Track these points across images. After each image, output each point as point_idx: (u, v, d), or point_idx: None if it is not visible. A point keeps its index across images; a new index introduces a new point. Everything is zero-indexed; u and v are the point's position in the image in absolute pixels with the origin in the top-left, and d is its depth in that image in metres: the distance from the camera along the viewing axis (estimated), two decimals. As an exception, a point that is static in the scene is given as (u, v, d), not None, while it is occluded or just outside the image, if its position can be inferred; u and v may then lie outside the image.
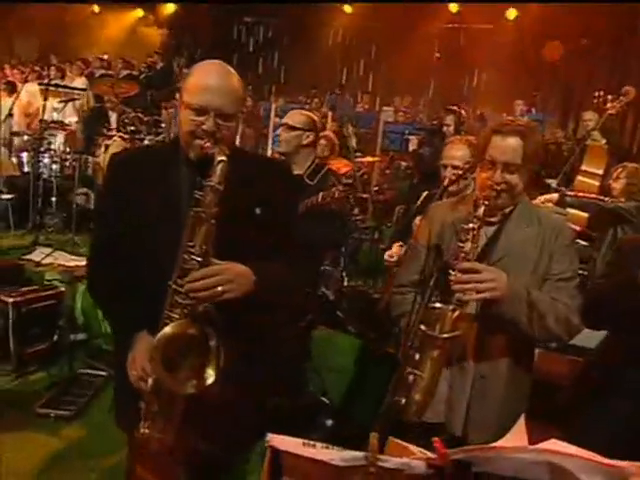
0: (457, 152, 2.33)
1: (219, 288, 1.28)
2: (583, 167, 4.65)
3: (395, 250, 2.53)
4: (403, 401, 1.41)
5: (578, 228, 3.62)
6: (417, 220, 2.23)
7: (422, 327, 1.38)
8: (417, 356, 1.40)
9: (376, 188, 4.39)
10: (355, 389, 3.16)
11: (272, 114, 5.38)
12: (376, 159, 4.80)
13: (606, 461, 0.70)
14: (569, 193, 4.01)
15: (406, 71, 9.48)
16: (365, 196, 4.24)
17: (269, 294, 1.41)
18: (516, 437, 0.86)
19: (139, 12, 12.34)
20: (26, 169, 5.70)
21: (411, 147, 5.38)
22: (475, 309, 1.54)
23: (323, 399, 3.03)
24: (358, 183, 4.30)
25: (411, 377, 1.40)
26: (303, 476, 0.82)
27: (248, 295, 1.33)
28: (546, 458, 0.70)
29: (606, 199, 3.77)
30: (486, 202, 1.50)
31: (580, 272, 3.20)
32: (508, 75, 7.89)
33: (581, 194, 3.99)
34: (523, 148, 1.55)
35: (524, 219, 1.64)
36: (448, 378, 1.63)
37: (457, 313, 1.39)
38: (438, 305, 1.39)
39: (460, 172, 2.17)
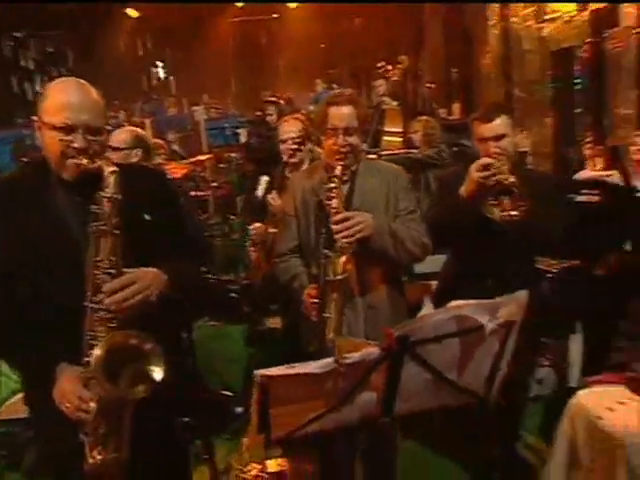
0: (292, 127, 2.62)
1: (139, 296, 1.33)
2: (386, 128, 5.36)
3: (257, 224, 2.71)
4: (317, 345, 1.65)
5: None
6: (270, 197, 2.48)
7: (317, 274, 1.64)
8: (317, 302, 1.66)
9: (215, 184, 4.50)
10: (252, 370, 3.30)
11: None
12: (207, 157, 4.90)
13: (485, 300, 1.02)
14: (383, 153, 4.61)
15: (206, 69, 9.56)
16: (206, 194, 4.34)
17: (182, 291, 1.48)
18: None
19: None
20: None
21: (242, 139, 5.58)
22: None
23: (225, 392, 3.09)
24: (200, 182, 4.38)
25: (319, 322, 1.64)
26: (288, 400, 0.99)
27: (163, 295, 1.39)
28: (452, 313, 0.99)
29: (412, 151, 4.45)
30: (341, 163, 1.79)
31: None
32: (304, 58, 8.50)
33: (390, 152, 4.63)
34: (356, 113, 1.88)
35: (368, 173, 1.98)
36: (345, 312, 1.89)
37: (344, 257, 1.66)
38: (328, 253, 1.65)
39: (296, 145, 2.47)
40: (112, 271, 1.32)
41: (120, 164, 1.58)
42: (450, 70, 6.42)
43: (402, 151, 4.50)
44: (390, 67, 6.38)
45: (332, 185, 1.76)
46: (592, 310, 3.03)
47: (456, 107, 6.17)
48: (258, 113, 5.17)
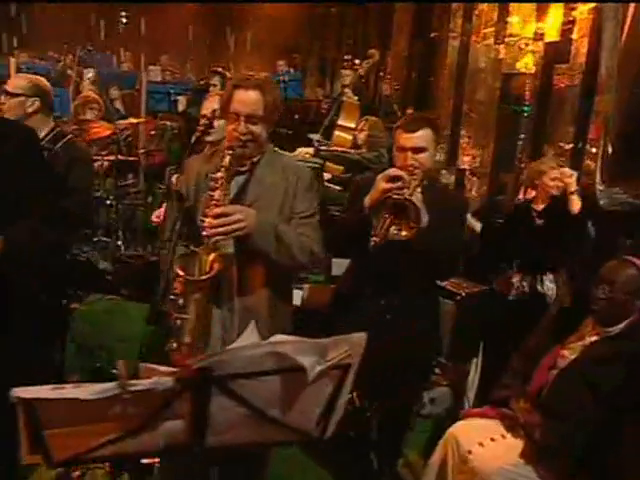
0: (212, 104, 2.47)
1: None
2: (339, 122, 5.22)
3: (162, 210, 2.55)
4: (174, 345, 1.49)
5: (327, 175, 4.10)
6: (174, 177, 2.29)
7: (180, 272, 1.47)
8: (181, 301, 1.49)
9: (142, 151, 4.23)
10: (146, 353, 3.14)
11: (12, 72, 4.67)
12: (140, 120, 4.60)
13: (311, 340, 0.89)
14: (323, 147, 4.48)
15: (169, 30, 9.10)
16: (132, 159, 4.07)
17: (19, 253, 1.33)
18: (248, 338, 1.02)
19: None
20: None
21: (180, 107, 5.28)
22: (233, 248, 1.68)
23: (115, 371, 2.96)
24: (121, 147, 4.10)
25: (178, 322, 1.48)
26: (64, 422, 0.84)
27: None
28: (269, 349, 0.86)
29: (352, 151, 4.33)
30: (230, 151, 1.63)
31: (336, 213, 3.71)
32: (271, 37, 8.22)
33: (334, 147, 4.50)
34: (263, 101, 1.71)
35: (270, 166, 1.83)
36: (221, 319, 1.76)
37: (212, 255, 1.51)
38: (194, 249, 1.49)
39: (208, 122, 2.30)
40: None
41: None
42: (411, 73, 6.34)
43: (341, 149, 4.38)
44: (358, 61, 6.27)
45: (218, 174, 1.59)
46: (492, 336, 3.05)
47: (409, 112, 6.11)
48: (201, 82, 4.89)
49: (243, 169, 1.81)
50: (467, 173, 4.98)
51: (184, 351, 1.49)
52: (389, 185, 1.85)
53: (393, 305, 2.06)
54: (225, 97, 1.75)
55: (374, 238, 1.73)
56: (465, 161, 4.95)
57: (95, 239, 4.24)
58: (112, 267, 4.09)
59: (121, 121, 4.50)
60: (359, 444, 2.39)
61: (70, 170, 2.34)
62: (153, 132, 4.72)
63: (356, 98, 5.48)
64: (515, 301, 2.99)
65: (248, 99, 1.71)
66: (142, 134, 4.65)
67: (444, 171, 5.10)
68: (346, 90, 5.63)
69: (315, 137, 5.52)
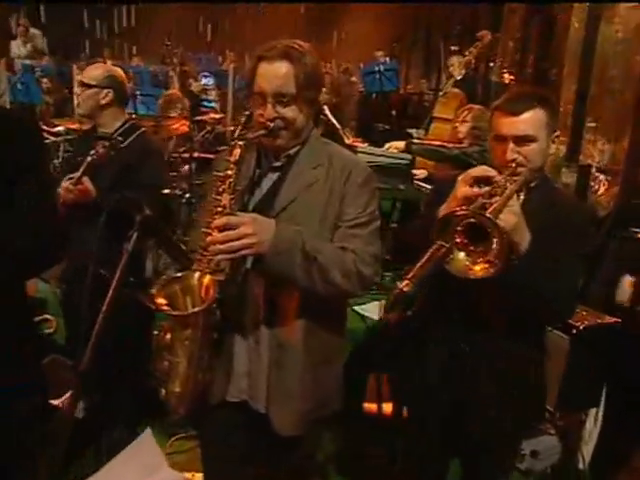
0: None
1: None
2: (435, 114, 4.67)
3: None
4: (163, 392, 1.14)
5: (423, 172, 3.58)
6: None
7: (162, 302, 1.10)
8: (168, 336, 1.13)
9: (222, 148, 4.05)
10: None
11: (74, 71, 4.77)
12: (220, 116, 4.43)
13: None
14: (415, 141, 3.95)
15: (271, 27, 9.06)
16: (212, 156, 3.90)
17: None
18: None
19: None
20: None
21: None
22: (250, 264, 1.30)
23: None
24: (197, 144, 3.94)
25: (165, 363, 1.13)
26: None
27: None
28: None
29: (450, 145, 3.75)
30: (240, 142, 1.23)
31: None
32: (369, 27, 7.79)
33: (427, 141, 3.95)
34: (294, 74, 1.31)
35: (312, 160, 1.41)
36: (246, 351, 1.40)
37: (205, 280, 1.13)
38: (180, 274, 1.12)
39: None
40: None
41: None
42: (526, 58, 5.52)
43: (437, 143, 3.81)
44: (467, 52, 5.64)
45: (227, 172, 1.21)
46: (620, 381, 2.35)
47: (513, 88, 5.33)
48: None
49: (277, 164, 1.42)
50: (593, 171, 4.11)
51: (173, 402, 1.14)
52: (474, 191, 1.30)
53: (467, 349, 1.53)
54: (249, 73, 1.36)
55: (412, 272, 1.15)
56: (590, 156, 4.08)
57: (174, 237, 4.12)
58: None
59: (200, 117, 4.37)
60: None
61: (142, 164, 2.21)
62: (232, 128, 4.53)
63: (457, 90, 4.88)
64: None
65: (275, 73, 1.30)
66: (227, 131, 4.50)
67: (564, 169, 4.28)
68: (450, 80, 5.06)
69: (415, 132, 5.03)
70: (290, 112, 1.33)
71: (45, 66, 7.75)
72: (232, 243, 1.15)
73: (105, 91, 2.25)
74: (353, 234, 1.38)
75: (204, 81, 6.73)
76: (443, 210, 1.35)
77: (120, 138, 2.20)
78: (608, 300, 2.38)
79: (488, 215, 1.15)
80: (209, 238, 1.15)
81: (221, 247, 1.14)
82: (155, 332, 1.13)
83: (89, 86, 2.26)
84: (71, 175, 2.04)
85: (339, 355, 1.56)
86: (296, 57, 1.32)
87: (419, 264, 1.11)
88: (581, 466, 2.47)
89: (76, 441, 1.46)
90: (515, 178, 1.33)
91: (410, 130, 5.28)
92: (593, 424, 2.50)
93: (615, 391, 2.37)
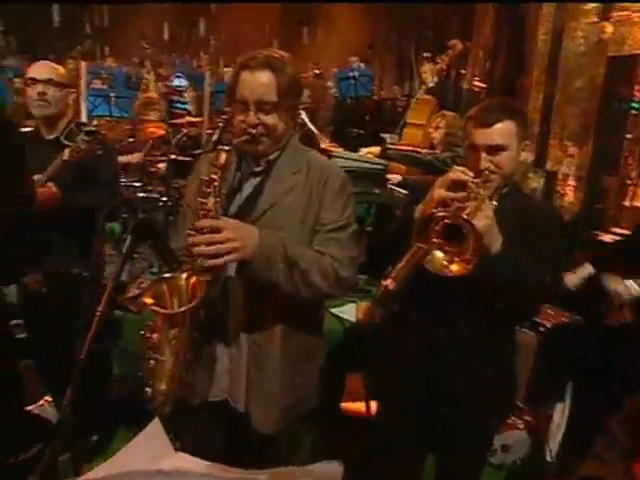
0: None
1: None
2: (408, 119, 4.77)
3: None
4: (149, 392, 1.17)
5: (397, 177, 3.66)
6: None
7: (149, 301, 1.14)
8: (155, 336, 1.17)
9: (199, 151, 4.05)
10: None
11: (83, 76, 4.73)
12: (198, 119, 4.45)
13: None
14: (390, 146, 4.04)
15: (245, 31, 9.08)
16: (187, 159, 3.90)
17: None
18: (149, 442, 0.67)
19: None
20: None
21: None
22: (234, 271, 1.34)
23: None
24: (173, 148, 3.94)
25: (152, 362, 1.16)
26: None
27: None
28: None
29: (424, 151, 3.85)
30: (226, 147, 1.28)
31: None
32: (342, 32, 7.89)
33: (401, 147, 4.04)
34: (276, 83, 1.36)
35: (292, 165, 1.47)
36: (227, 348, 1.45)
37: (192, 280, 1.16)
38: (168, 275, 1.15)
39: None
40: None
41: None
42: (495, 65, 5.69)
43: (411, 148, 3.91)
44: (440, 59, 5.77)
45: (211, 176, 1.25)
46: (586, 377, 2.47)
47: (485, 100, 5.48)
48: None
49: (257, 169, 1.46)
50: (559, 177, 4.28)
51: (159, 400, 1.17)
52: (449, 194, 1.37)
53: (444, 340, 1.60)
54: (231, 81, 1.41)
55: (396, 271, 1.22)
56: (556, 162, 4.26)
57: (150, 241, 4.09)
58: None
59: (176, 120, 4.37)
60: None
61: (97, 163, 2.14)
62: (210, 131, 4.54)
63: (427, 96, 5.00)
64: (620, 332, 2.38)
65: (257, 81, 1.35)
66: (204, 135, 4.50)
67: (531, 174, 4.44)
68: (423, 86, 5.17)
69: (388, 137, 5.12)
70: (271, 119, 1.38)
71: (10, 65, 7.60)
72: (216, 246, 1.19)
73: (71, 90, 2.22)
74: (331, 238, 1.43)
75: (176, 82, 6.69)
76: (420, 211, 1.42)
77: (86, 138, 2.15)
78: (570, 297, 2.49)
79: (465, 217, 1.22)
80: (192, 239, 1.19)
81: (205, 249, 1.19)
82: (141, 332, 1.16)
83: (61, 85, 2.17)
84: (34, 177, 1.97)
85: (316, 355, 1.61)
86: (278, 66, 1.37)
87: (401, 263, 1.18)
88: (549, 458, 2.58)
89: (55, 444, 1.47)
90: (488, 184, 1.41)
91: (384, 135, 5.39)
92: (560, 418, 2.61)
93: (580, 386, 2.49)
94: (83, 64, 5.10)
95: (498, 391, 1.67)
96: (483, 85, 5.91)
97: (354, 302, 2.81)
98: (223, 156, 1.26)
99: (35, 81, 2.14)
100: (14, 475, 1.28)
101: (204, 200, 1.23)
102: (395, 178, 3.96)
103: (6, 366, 1.27)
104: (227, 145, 1.28)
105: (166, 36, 10.38)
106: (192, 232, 1.20)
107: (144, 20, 10.09)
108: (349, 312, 2.85)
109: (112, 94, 4.75)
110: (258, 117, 1.37)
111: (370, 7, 8.08)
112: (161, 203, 3.61)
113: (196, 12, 10.39)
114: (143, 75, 7.47)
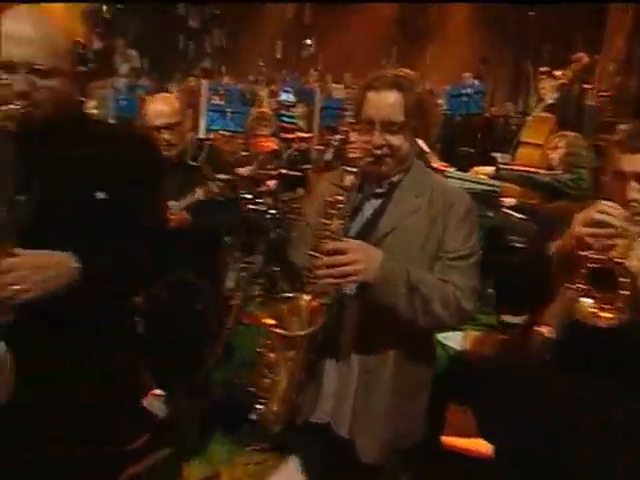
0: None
1: (11, 288, 1.04)
2: (523, 138, 4.52)
3: None
4: (261, 408, 1.17)
5: (511, 200, 3.45)
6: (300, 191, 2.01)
7: (270, 322, 1.14)
8: (272, 355, 1.16)
9: (307, 167, 4.13)
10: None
11: (203, 93, 5.06)
12: (309, 135, 4.54)
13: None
14: (504, 166, 3.83)
15: (355, 48, 9.21)
16: (298, 174, 3.99)
17: (105, 280, 1.18)
18: None
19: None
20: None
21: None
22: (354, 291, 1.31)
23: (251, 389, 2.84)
24: (285, 162, 4.05)
25: (267, 381, 1.16)
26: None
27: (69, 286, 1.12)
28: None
29: (541, 172, 3.60)
30: (352, 169, 1.26)
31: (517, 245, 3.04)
32: (455, 47, 7.70)
33: (517, 167, 3.82)
34: (403, 103, 1.32)
35: (415, 188, 1.42)
36: (336, 371, 1.42)
37: (315, 303, 1.15)
38: (289, 295, 1.15)
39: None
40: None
41: (96, 122, 1.32)
42: (628, 80, 5.21)
43: (527, 169, 3.67)
44: (558, 72, 5.44)
45: (337, 197, 1.24)
46: None
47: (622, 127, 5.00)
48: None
49: (379, 190, 1.43)
50: None
51: (270, 420, 1.17)
52: (595, 230, 1.19)
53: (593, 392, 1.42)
54: (357, 101, 1.40)
55: (550, 318, 1.10)
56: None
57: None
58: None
59: (288, 134, 4.50)
60: None
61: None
62: (319, 147, 4.62)
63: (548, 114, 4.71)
64: None
65: (384, 101, 1.33)
66: (312, 149, 4.59)
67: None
68: (540, 103, 4.89)
69: (499, 156, 4.89)
70: (397, 140, 1.36)
71: (142, 84, 8.35)
72: (341, 268, 1.17)
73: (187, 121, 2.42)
74: (454, 266, 1.36)
75: (284, 96, 6.92)
76: (558, 248, 1.28)
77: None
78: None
79: (620, 261, 1.07)
80: (317, 261, 1.18)
81: (330, 271, 1.17)
82: (259, 349, 1.17)
83: (179, 124, 2.26)
84: (171, 203, 2.14)
85: (426, 385, 1.54)
86: (405, 86, 1.34)
87: (554, 309, 1.07)
88: None
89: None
90: (638, 219, 1.25)
91: (495, 154, 5.14)
92: None
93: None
94: (204, 82, 5.44)
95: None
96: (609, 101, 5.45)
97: (461, 330, 2.69)
98: (349, 178, 1.25)
99: (158, 129, 2.28)
100: (111, 463, 1.35)
101: (328, 221, 1.22)
102: (510, 201, 3.75)
103: (129, 357, 1.37)
104: (354, 167, 1.26)
105: (279, 55, 10.82)
106: (315, 254, 1.19)
107: (258, 40, 10.63)
108: (454, 340, 2.72)
109: (228, 109, 5.03)
110: (384, 138, 1.34)
111: (484, 20, 7.83)
112: (269, 216, 3.71)
113: (307, 31, 10.75)
114: (257, 91, 7.86)
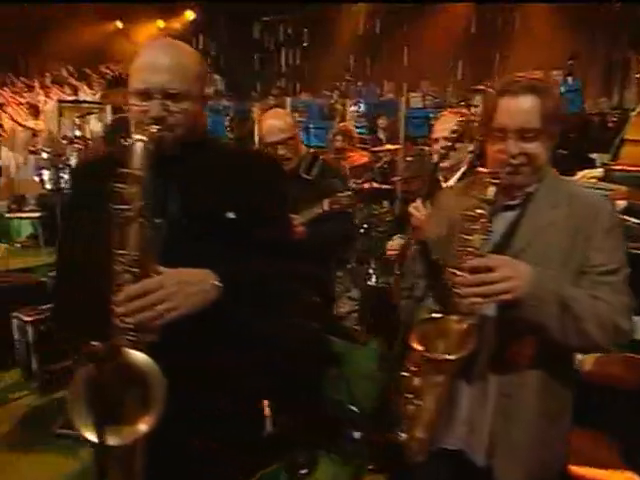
0: (445, 124, 2.17)
1: (163, 306, 1.04)
2: (627, 135, 4.17)
3: (396, 242, 2.27)
4: (403, 436, 1.12)
5: (622, 203, 3.18)
6: (411, 208, 1.93)
7: (418, 347, 1.08)
8: (416, 381, 1.11)
9: (397, 178, 4.06)
10: (386, 398, 2.92)
11: (288, 108, 5.16)
12: (396, 147, 4.46)
13: None
14: (616, 167, 3.54)
15: (431, 55, 9.05)
16: (388, 187, 3.94)
17: (242, 297, 1.17)
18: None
19: (160, 23, 12.38)
20: (48, 186, 5.68)
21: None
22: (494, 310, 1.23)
23: (352, 407, 2.80)
24: (376, 175, 4.01)
25: (411, 407, 1.10)
26: None
27: (211, 303, 1.10)
28: None
29: (653, 170, 3.28)
30: (495, 181, 1.19)
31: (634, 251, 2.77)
32: (541, 46, 7.33)
33: (629, 167, 3.51)
34: (541, 108, 1.24)
35: (551, 198, 1.33)
36: (469, 395, 1.34)
37: (465, 325, 1.08)
38: (438, 315, 1.09)
39: (447, 145, 2.03)
40: (136, 270, 1.04)
41: (222, 144, 1.36)
42: None
43: (632, 169, 3.36)
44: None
45: (479, 212, 1.17)
46: None
47: None
48: (462, 103, 4.50)
49: (513, 202, 1.35)
50: None
51: (415, 447, 1.11)
52: None
53: None
54: (488, 108, 1.32)
55: None
56: None
57: (349, 266, 4.24)
58: (360, 295, 4.05)
59: (376, 148, 4.46)
60: None
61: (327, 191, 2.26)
62: (410, 158, 4.53)
63: (647, 109, 4.33)
64: None
65: (519, 108, 1.25)
66: (400, 161, 4.52)
67: None
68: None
69: (597, 157, 4.58)
70: (534, 148, 1.27)
71: (225, 105, 8.67)
72: (490, 287, 1.10)
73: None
74: (604, 282, 1.25)
75: (353, 108, 6.91)
76: None
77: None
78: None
79: None
80: (460, 279, 1.12)
81: (476, 290, 1.10)
82: (403, 374, 1.12)
83: (291, 139, 2.26)
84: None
85: (568, 409, 1.42)
86: (542, 91, 1.26)
87: None
88: None
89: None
90: None
91: (592, 155, 4.82)
92: None
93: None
94: (288, 99, 5.55)
95: None
96: None
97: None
98: (492, 189, 1.18)
99: (273, 144, 2.29)
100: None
101: (469, 237, 1.16)
102: (621, 204, 3.46)
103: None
104: (496, 179, 1.19)
105: (352, 68, 10.88)
106: (457, 271, 1.13)
107: (331, 56, 10.76)
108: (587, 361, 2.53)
109: (310, 125, 5.10)
110: (519, 146, 1.26)
111: (570, 15, 7.42)
112: (362, 230, 3.69)
113: (380, 42, 10.74)
114: (334, 106, 7.91)
